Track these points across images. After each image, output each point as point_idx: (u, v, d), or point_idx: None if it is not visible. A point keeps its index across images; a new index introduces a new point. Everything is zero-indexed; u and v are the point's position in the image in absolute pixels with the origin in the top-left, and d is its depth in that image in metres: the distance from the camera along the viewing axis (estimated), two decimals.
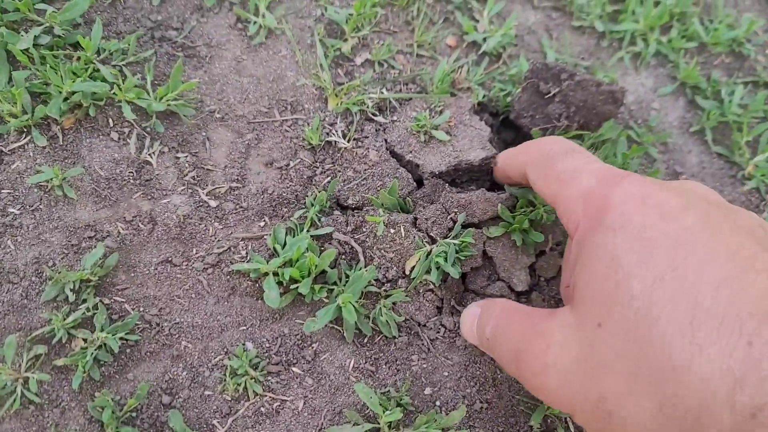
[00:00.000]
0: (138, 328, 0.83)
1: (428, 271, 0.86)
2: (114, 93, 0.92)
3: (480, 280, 0.91)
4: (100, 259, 0.83)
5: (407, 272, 0.87)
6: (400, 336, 0.87)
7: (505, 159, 0.86)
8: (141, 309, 0.84)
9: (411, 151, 0.97)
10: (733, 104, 1.15)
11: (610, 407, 0.51)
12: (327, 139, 0.98)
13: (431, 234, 0.88)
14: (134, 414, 0.78)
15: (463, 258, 0.87)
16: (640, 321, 0.49)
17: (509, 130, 1.08)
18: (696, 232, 0.50)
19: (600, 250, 0.54)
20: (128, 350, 0.81)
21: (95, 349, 0.78)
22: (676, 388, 0.46)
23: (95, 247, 0.85)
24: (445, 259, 0.85)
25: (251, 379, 0.81)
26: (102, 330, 0.80)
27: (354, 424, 0.80)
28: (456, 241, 0.87)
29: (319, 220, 0.92)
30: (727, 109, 1.15)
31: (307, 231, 0.89)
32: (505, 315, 0.68)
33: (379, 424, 0.79)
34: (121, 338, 0.80)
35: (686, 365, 0.46)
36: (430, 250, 0.86)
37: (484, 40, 1.13)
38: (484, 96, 1.06)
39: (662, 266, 0.49)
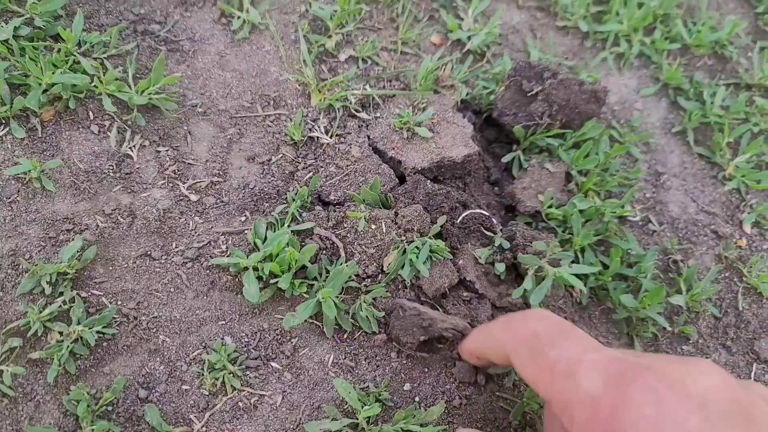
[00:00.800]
0: (115, 321, 0.82)
1: (402, 267, 0.86)
2: (94, 85, 0.91)
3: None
4: (77, 252, 0.83)
5: (386, 268, 0.87)
6: (380, 331, 0.86)
7: (477, 339, 0.76)
8: (119, 302, 0.83)
9: (393, 148, 0.97)
10: (715, 105, 1.16)
11: None
12: (309, 134, 0.98)
13: (410, 231, 0.88)
14: (110, 408, 0.77)
15: (435, 258, 0.87)
16: None
17: (492, 128, 1.08)
18: None
19: None
20: (105, 344, 0.81)
21: (71, 343, 0.77)
22: None
23: (73, 239, 0.84)
24: (417, 257, 0.85)
25: (229, 373, 0.80)
26: (78, 323, 0.79)
27: (332, 419, 0.79)
28: (431, 240, 0.87)
29: (300, 215, 0.91)
30: (709, 110, 1.16)
31: (288, 226, 0.89)
32: None
33: (357, 419, 0.79)
34: (97, 332, 0.79)
35: None
36: (406, 247, 0.86)
37: (469, 38, 1.13)
38: (467, 94, 1.06)
39: None
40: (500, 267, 0.89)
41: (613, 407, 0.49)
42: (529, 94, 1.00)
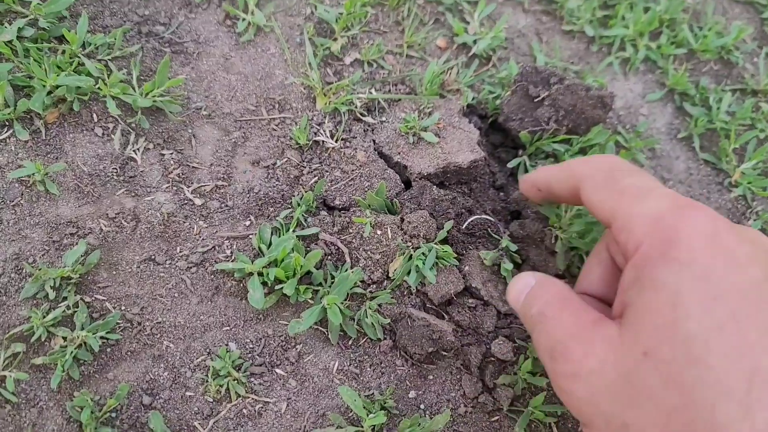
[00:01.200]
0: (119, 327, 0.81)
1: (408, 273, 0.86)
2: (99, 88, 0.90)
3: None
4: (81, 256, 0.82)
5: (391, 274, 0.87)
6: (385, 338, 0.86)
7: (547, 170, 0.78)
8: (122, 308, 0.83)
9: (399, 153, 0.96)
10: (721, 111, 1.16)
11: None
12: (315, 138, 0.97)
13: (416, 237, 0.87)
14: (114, 414, 0.77)
15: (442, 264, 0.87)
16: (691, 365, 0.47)
17: (498, 133, 1.08)
18: (762, 287, 0.49)
19: (661, 281, 0.51)
20: (109, 349, 0.80)
21: (75, 348, 0.77)
22: None
23: (77, 244, 0.83)
24: (424, 263, 0.84)
25: (234, 380, 0.80)
26: (82, 328, 0.78)
27: (337, 427, 0.79)
28: (437, 246, 0.86)
29: (306, 220, 0.91)
30: (715, 116, 1.15)
31: (293, 231, 0.88)
32: (558, 301, 0.63)
33: (362, 427, 0.78)
34: (101, 337, 0.79)
35: (728, 424, 0.44)
36: (412, 253, 0.86)
37: (475, 42, 1.12)
38: (473, 98, 1.05)
39: (724, 315, 0.47)
40: (507, 266, 0.88)
41: (676, 221, 0.53)
42: (536, 99, 0.99)
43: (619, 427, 0.51)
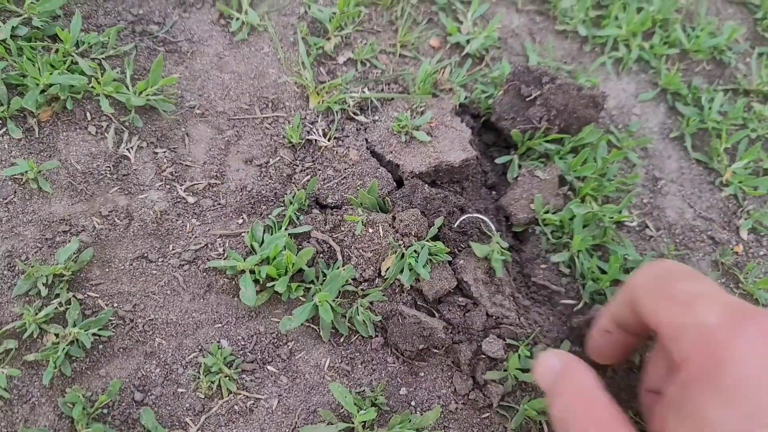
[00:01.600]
0: (111, 323, 0.82)
1: (401, 271, 0.86)
2: (92, 86, 0.91)
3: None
4: (74, 253, 0.83)
5: (383, 273, 0.87)
6: (376, 336, 0.86)
7: (610, 305, 0.72)
8: (115, 305, 0.83)
9: (391, 151, 0.97)
10: (713, 111, 1.16)
11: None
12: (307, 137, 0.98)
13: (408, 235, 0.88)
14: (105, 410, 0.77)
15: (435, 261, 0.87)
16: None
17: (490, 132, 1.08)
18: None
19: (704, 417, 0.47)
20: (101, 346, 0.80)
21: (67, 345, 0.77)
22: None
23: (69, 241, 0.84)
24: (416, 260, 0.85)
25: (225, 377, 0.80)
26: (74, 325, 0.79)
27: (328, 424, 0.79)
28: (429, 243, 0.87)
29: (298, 218, 0.91)
30: (707, 115, 1.16)
31: (285, 229, 0.89)
32: (582, 400, 0.60)
33: (353, 423, 0.79)
34: (93, 334, 0.79)
35: None
36: (404, 252, 0.86)
37: (468, 41, 1.13)
38: (465, 98, 1.06)
39: None
40: (497, 264, 0.89)
41: (726, 338, 0.49)
42: (528, 98, 1.00)
43: None
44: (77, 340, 0.78)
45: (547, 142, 1.02)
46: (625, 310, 0.66)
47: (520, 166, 1.02)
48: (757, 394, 0.45)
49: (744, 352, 0.47)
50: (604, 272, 0.96)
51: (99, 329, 0.80)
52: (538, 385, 0.72)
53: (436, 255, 0.88)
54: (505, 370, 0.86)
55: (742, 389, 0.46)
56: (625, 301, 0.66)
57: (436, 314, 0.89)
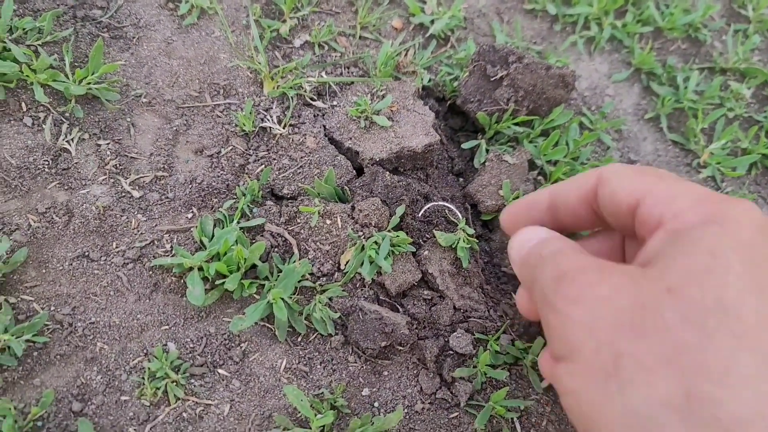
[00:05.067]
0: (47, 328, 0.76)
1: (362, 264, 0.81)
2: (26, 75, 0.84)
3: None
4: (5, 254, 0.76)
5: (343, 267, 0.82)
6: (336, 333, 0.81)
7: (557, 188, 0.67)
8: (52, 308, 0.77)
9: (350, 138, 0.91)
10: (689, 90, 1.12)
11: (623, 372, 0.46)
12: (261, 125, 0.92)
13: (368, 226, 0.83)
14: (40, 423, 0.71)
15: (397, 252, 0.82)
16: (719, 311, 0.44)
17: (457, 117, 1.03)
18: None
19: (703, 239, 0.49)
20: (35, 353, 0.74)
21: None
22: (711, 399, 0.42)
23: (0, 241, 0.77)
24: (377, 252, 0.80)
25: (172, 382, 0.75)
26: (5, 331, 0.73)
27: (283, 429, 0.74)
28: (391, 234, 0.81)
29: (251, 210, 0.86)
30: (683, 95, 1.12)
31: (237, 222, 0.83)
32: (573, 247, 0.59)
33: (310, 428, 0.74)
34: (27, 340, 0.73)
35: (747, 377, 0.42)
36: (364, 243, 0.81)
37: (432, 22, 1.07)
38: (429, 80, 1.01)
39: (765, 281, 0.45)
40: (463, 252, 0.84)
41: (720, 206, 0.51)
42: (494, 79, 0.95)
43: (610, 356, 0.47)
44: (8, 347, 0.72)
45: (516, 125, 0.97)
46: (574, 193, 0.64)
47: (487, 151, 0.97)
48: (753, 235, 0.48)
49: (740, 214, 0.49)
50: None
51: (33, 335, 0.74)
52: (513, 258, 0.64)
53: (399, 246, 0.82)
54: (474, 367, 0.81)
55: (740, 229, 0.48)
56: (581, 185, 0.63)
57: (400, 309, 0.83)
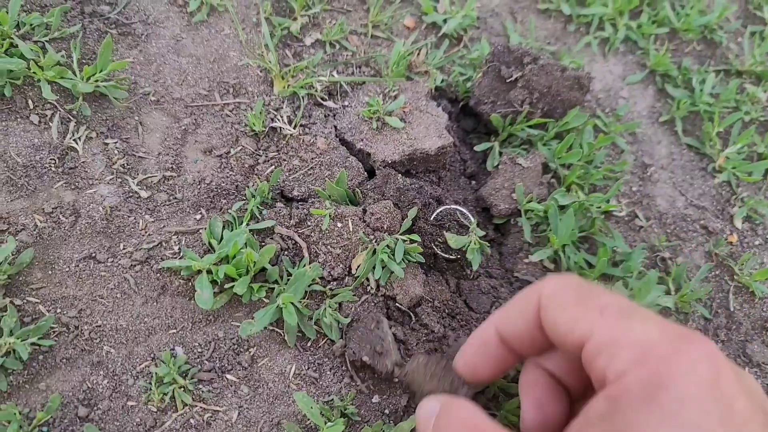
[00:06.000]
0: (53, 331, 0.74)
1: (373, 269, 0.80)
2: (34, 72, 0.83)
3: None
4: (11, 254, 0.75)
5: (354, 270, 0.81)
6: (341, 339, 0.80)
7: (494, 321, 0.63)
8: (58, 311, 0.76)
9: (362, 139, 0.90)
10: (704, 93, 1.10)
11: None
12: (271, 125, 0.90)
13: (379, 229, 0.81)
14: (45, 429, 0.70)
15: (410, 259, 0.81)
16: None
17: (469, 118, 1.02)
18: None
19: (642, 427, 0.45)
20: (41, 357, 0.73)
21: (2, 356, 0.70)
22: None
23: (6, 241, 0.76)
24: (390, 256, 0.78)
25: (180, 387, 0.73)
26: (11, 334, 0.71)
27: None
28: (404, 237, 0.80)
29: (260, 212, 0.84)
30: (698, 98, 1.10)
31: (247, 225, 0.82)
32: (468, 428, 0.55)
33: None
34: (32, 344, 0.72)
35: None
36: (375, 247, 0.79)
37: (445, 21, 1.06)
38: (442, 81, 0.99)
39: None
40: (473, 255, 0.82)
41: (668, 356, 0.47)
42: (508, 80, 0.93)
43: None
44: (14, 350, 0.71)
45: (530, 127, 0.96)
46: (520, 321, 0.60)
47: (501, 154, 0.95)
48: (698, 416, 0.44)
49: (688, 374, 0.45)
50: (591, 266, 0.89)
51: (39, 338, 0.72)
52: None
53: (408, 255, 0.81)
54: None
55: (684, 409, 0.44)
56: (524, 311, 0.59)
57: (413, 318, 0.82)
